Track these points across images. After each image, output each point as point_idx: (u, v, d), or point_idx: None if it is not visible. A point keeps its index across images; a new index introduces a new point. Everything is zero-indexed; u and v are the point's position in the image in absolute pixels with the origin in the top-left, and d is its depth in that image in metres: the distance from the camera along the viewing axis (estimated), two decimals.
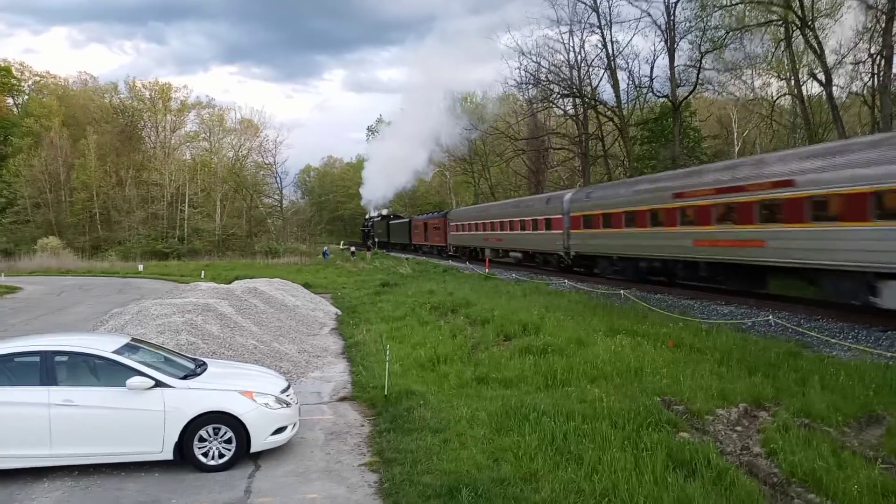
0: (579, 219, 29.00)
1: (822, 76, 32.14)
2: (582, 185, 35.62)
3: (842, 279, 15.36)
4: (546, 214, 32.86)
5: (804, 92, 38.04)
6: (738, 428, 8.52)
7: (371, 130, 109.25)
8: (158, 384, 7.66)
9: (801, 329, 14.32)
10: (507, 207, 41.13)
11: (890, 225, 13.83)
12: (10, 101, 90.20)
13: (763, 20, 35.30)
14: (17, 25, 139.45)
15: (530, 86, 49.68)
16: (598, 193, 28.87)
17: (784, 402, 9.07)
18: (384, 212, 79.69)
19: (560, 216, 31.06)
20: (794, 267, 16.79)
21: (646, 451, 7.23)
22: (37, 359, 7.70)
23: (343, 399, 10.85)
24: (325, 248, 67.20)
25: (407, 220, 68.34)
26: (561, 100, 49.40)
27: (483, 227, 43.51)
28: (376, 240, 77.13)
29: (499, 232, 40.27)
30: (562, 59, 47.53)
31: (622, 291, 20.74)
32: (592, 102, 45.75)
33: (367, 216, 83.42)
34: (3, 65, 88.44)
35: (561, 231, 30.85)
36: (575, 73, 46.56)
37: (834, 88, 32.91)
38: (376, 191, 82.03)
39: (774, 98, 44.78)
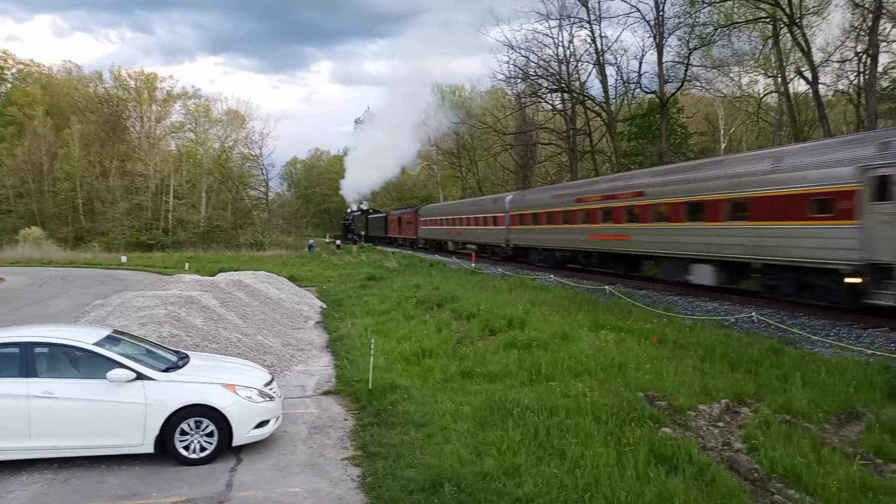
0: (517, 217, 35.41)
1: (808, 74, 32.32)
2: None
3: (671, 263, 21.66)
4: (493, 213, 39.39)
5: (791, 89, 38.27)
6: (720, 424, 8.58)
7: (359, 123, 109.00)
8: (140, 377, 7.60)
9: (783, 326, 14.43)
10: (465, 206, 47.23)
11: (695, 224, 19.94)
12: None
13: (751, 17, 35.49)
14: (1, 13, 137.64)
15: (519, 80, 49.64)
16: (530, 197, 35.50)
17: (766, 399, 9.13)
18: (364, 206, 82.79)
19: (503, 214, 37.30)
20: (646, 254, 23.31)
21: (628, 447, 7.26)
22: (16, 350, 7.62)
23: (327, 393, 10.81)
24: (311, 241, 66.99)
25: (384, 214, 72.85)
26: (549, 95, 49.41)
27: (447, 222, 49.60)
28: (362, 233, 77.27)
29: (459, 227, 46.42)
30: (550, 53, 47.52)
31: (607, 287, 20.80)
32: (581, 98, 45.78)
33: (347, 210, 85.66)
34: None
35: (504, 227, 37.04)
36: (563, 67, 46.55)
37: (820, 86, 33.17)
38: (359, 183, 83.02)
39: (761, 95, 45.16)
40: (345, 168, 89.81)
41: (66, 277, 36.07)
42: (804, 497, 6.51)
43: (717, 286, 19.48)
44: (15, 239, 61.27)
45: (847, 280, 14.75)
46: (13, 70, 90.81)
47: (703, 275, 19.84)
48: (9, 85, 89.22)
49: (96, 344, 7.86)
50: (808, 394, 9.05)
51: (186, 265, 39.95)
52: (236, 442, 7.77)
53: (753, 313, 15.41)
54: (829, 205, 15.17)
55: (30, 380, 7.43)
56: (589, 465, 6.79)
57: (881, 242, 13.90)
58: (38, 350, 7.70)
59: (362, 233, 75.32)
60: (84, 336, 8.11)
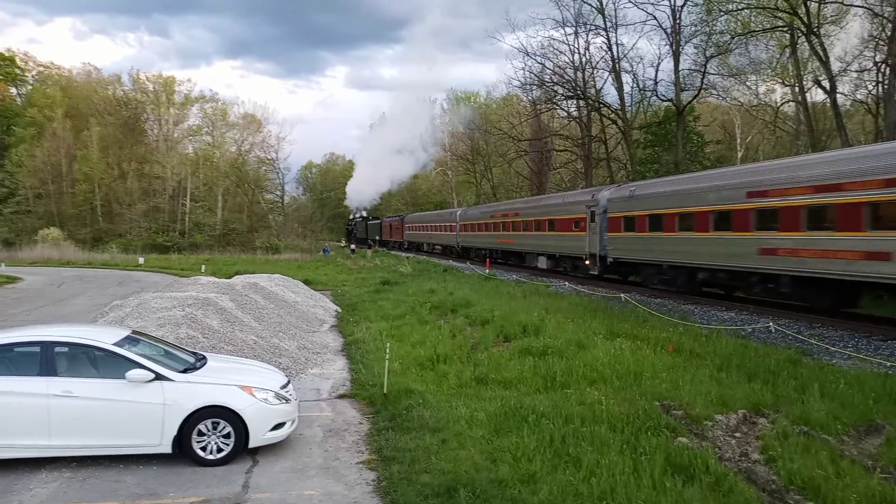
0: (464, 226, 47.75)
1: (826, 83, 32.09)
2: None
3: (531, 256, 35.27)
4: (449, 222, 51.96)
5: (808, 99, 38.03)
6: (737, 434, 8.52)
7: (374, 128, 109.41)
8: (158, 377, 7.66)
9: (801, 336, 14.31)
10: (433, 216, 60.40)
11: (538, 233, 33.67)
12: (13, 90, 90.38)
13: (769, 26, 35.29)
14: (21, 15, 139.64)
15: (534, 87, 49.68)
16: (470, 212, 48.99)
17: (783, 410, 9.05)
18: (364, 213, 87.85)
19: (455, 223, 50.15)
20: (522, 251, 36.82)
21: (644, 456, 7.22)
22: (37, 349, 7.70)
23: (342, 396, 10.85)
24: (326, 244, 67.26)
25: (379, 221, 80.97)
26: (565, 101, 49.37)
27: (423, 228, 61.26)
28: (377, 238, 77.87)
29: (429, 232, 58.76)
30: (566, 60, 47.47)
31: (622, 295, 20.73)
32: (596, 105, 45.72)
33: (350, 217, 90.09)
34: (7, 54, 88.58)
35: (455, 233, 49.96)
36: (579, 74, 46.50)
37: (838, 96, 32.90)
38: (366, 188, 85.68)
39: (778, 104, 44.85)
40: (352, 174, 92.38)
41: (84, 278, 36.45)
42: None
43: (550, 269, 32.80)
44: (34, 239, 62.01)
45: (585, 262, 27.79)
46: (33, 72, 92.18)
47: (542, 262, 33.77)
48: (29, 87, 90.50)
49: (116, 344, 7.93)
50: (827, 405, 8.95)
51: (203, 267, 40.25)
52: (252, 444, 7.81)
53: (771, 323, 15.29)
54: (577, 224, 28.79)
55: (50, 379, 7.51)
56: (605, 473, 6.76)
57: (592, 243, 27.37)
58: (58, 349, 7.78)
59: (363, 237, 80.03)
60: (104, 336, 8.19)
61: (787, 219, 16.70)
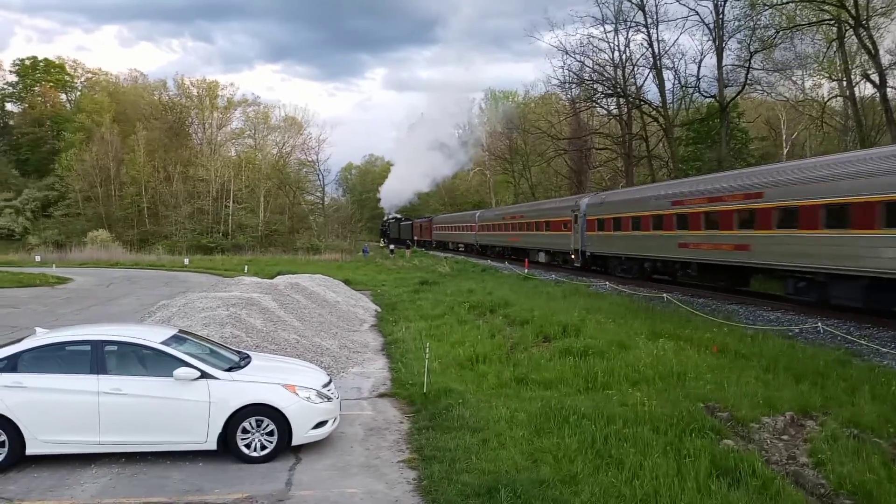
0: (483, 226, 53.38)
1: (875, 77, 31.13)
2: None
3: (532, 252, 40.43)
4: (470, 223, 57.98)
5: (857, 93, 36.91)
6: (785, 437, 8.33)
7: (412, 128, 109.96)
8: (204, 375, 7.82)
9: (850, 337, 13.91)
10: (456, 218, 66.92)
11: (536, 233, 39.52)
12: (63, 97, 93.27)
13: (815, 19, 34.41)
14: (70, 24, 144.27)
15: (573, 85, 49.28)
16: (487, 214, 55.40)
17: (832, 412, 8.81)
18: (398, 215, 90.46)
19: (474, 224, 55.95)
20: (526, 247, 41.93)
21: (688, 458, 7.11)
22: (87, 348, 7.93)
23: (382, 395, 10.93)
24: (366, 245, 67.77)
25: (410, 222, 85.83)
26: (604, 99, 48.88)
27: (448, 228, 67.76)
28: (415, 238, 78.44)
29: (453, 232, 65.38)
30: (606, 58, 46.99)
31: (665, 295, 20.43)
32: (637, 102, 45.14)
33: (384, 218, 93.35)
34: (57, 62, 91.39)
35: (475, 233, 55.79)
36: (619, 72, 45.98)
37: (889, 90, 31.90)
38: (402, 188, 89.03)
39: (825, 99, 43.57)
40: (386, 177, 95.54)
41: (131, 278, 37.41)
42: None
43: (547, 262, 38.20)
44: (83, 241, 63.80)
45: (571, 256, 33.10)
46: (82, 79, 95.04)
47: (542, 256, 39.22)
48: (78, 93, 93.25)
49: (163, 343, 8.12)
50: (878, 408, 8.70)
51: (246, 268, 40.91)
52: (295, 441, 7.92)
53: (819, 324, 14.88)
54: (566, 225, 34.05)
55: (100, 376, 7.72)
56: (648, 475, 6.68)
57: (575, 241, 32.61)
58: (108, 348, 8.00)
59: (396, 237, 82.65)
60: (151, 335, 8.39)
61: (693, 221, 22.50)
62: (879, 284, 14.99)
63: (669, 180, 34.92)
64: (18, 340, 8.19)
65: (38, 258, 53.13)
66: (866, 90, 39.08)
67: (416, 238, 79.55)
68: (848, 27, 31.51)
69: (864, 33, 30.16)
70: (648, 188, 29.34)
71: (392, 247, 66.20)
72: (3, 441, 7.47)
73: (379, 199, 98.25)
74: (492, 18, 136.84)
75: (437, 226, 72.08)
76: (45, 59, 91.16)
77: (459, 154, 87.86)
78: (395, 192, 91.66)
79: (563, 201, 38.35)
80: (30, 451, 7.54)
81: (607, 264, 30.24)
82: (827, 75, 42.58)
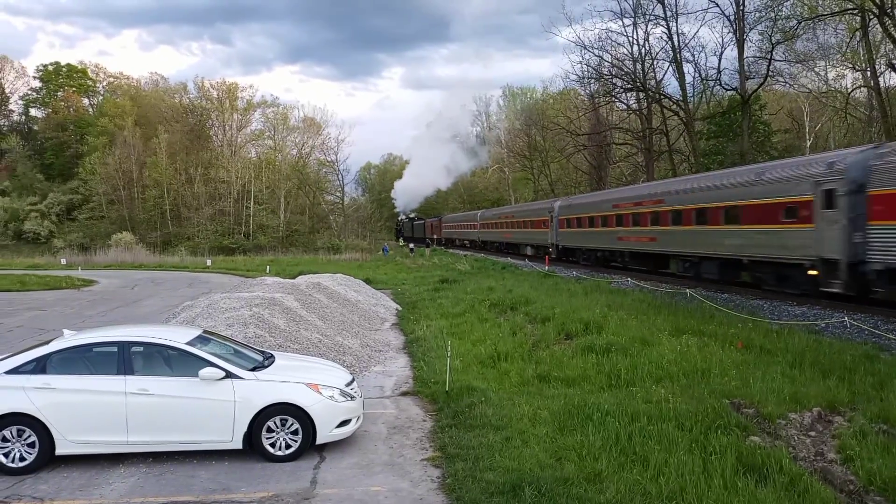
0: (485, 224, 59.40)
1: None
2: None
3: (525, 247, 46.91)
4: (472, 221, 64.73)
5: (881, 84, 36.31)
6: (812, 433, 8.22)
7: (430, 126, 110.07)
8: (229, 375, 7.89)
9: (878, 331, 13.69)
10: (460, 217, 73.27)
11: (530, 230, 44.37)
12: (86, 101, 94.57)
13: (837, 9, 33.90)
14: (92, 29, 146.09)
15: (592, 80, 49.04)
16: (487, 214, 60.92)
17: (860, 407, 8.68)
18: (412, 215, 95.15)
19: (476, 223, 62.64)
20: (523, 243, 47.42)
21: (714, 455, 7.04)
22: (114, 349, 8.04)
23: (405, 394, 10.96)
24: (385, 244, 68.02)
25: (422, 221, 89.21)
26: (624, 94, 48.59)
27: (453, 226, 73.91)
28: (434, 237, 78.74)
29: (458, 230, 71.21)
30: (625, 52, 46.69)
31: (688, 291, 20.26)
32: (657, 96, 44.79)
33: (398, 218, 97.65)
34: (79, 67, 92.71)
35: (476, 230, 62.19)
36: (639, 66, 45.66)
37: None
38: (419, 184, 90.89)
39: (849, 90, 42.89)
40: (402, 176, 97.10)
41: (155, 280, 37.86)
42: None
43: (533, 254, 44.00)
44: (108, 244, 64.64)
45: (549, 248, 39.50)
46: (104, 83, 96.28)
47: (529, 250, 45.23)
48: (100, 97, 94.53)
49: (188, 343, 8.20)
50: None
51: (268, 268, 41.22)
52: (319, 440, 7.97)
53: (845, 318, 14.67)
54: (545, 224, 39.43)
55: (127, 377, 7.82)
56: (673, 472, 6.63)
57: (551, 236, 38.99)
58: (134, 349, 8.10)
59: (410, 235, 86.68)
60: (177, 336, 8.48)
61: (626, 220, 28.58)
62: (727, 263, 21.72)
63: (612, 188, 45.78)
64: (46, 342, 8.31)
65: (63, 261, 53.93)
66: (891, 80, 38.54)
67: (427, 236, 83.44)
68: (872, 16, 31.01)
69: (889, 22, 29.66)
70: (600, 194, 38.10)
71: (412, 245, 66.38)
72: (34, 441, 7.59)
73: (394, 200, 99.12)
74: (509, 15, 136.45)
75: (445, 224, 77.46)
76: (68, 65, 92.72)
77: (478, 150, 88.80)
78: (411, 190, 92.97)
79: (542, 203, 45.64)
80: (59, 451, 7.66)
81: (575, 255, 37.35)
82: (850, 66, 41.97)
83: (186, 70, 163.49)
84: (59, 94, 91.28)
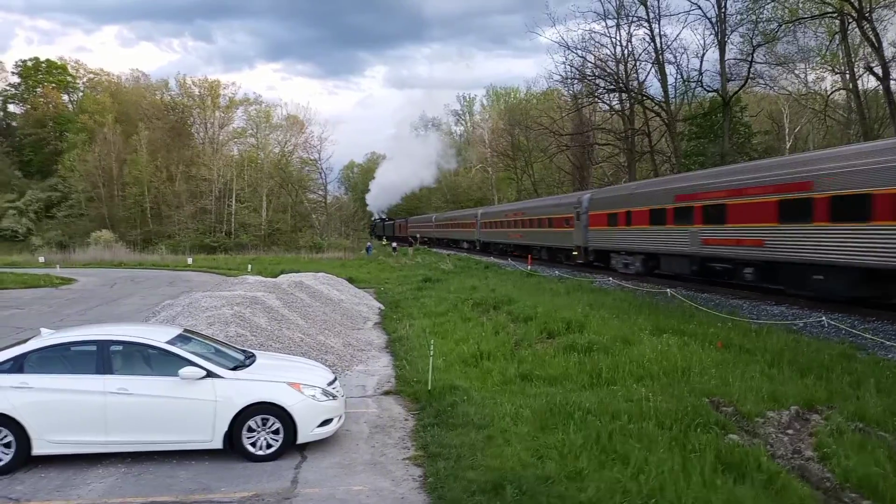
0: (438, 224, 69.76)
1: (879, 70, 31.11)
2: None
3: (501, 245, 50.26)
4: (429, 222, 76.25)
5: (860, 86, 36.89)
6: (790, 431, 8.32)
7: (414, 127, 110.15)
8: (209, 374, 7.84)
9: (855, 331, 13.90)
10: (423, 218, 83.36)
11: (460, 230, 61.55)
12: (65, 98, 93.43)
13: (817, 12, 34.34)
14: (71, 24, 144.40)
15: (575, 81, 49.28)
16: (439, 216, 71.58)
17: (837, 406, 8.80)
18: (384, 215, 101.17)
19: (432, 223, 73.36)
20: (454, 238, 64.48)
21: (694, 453, 7.10)
22: (93, 348, 7.95)
23: (387, 393, 10.94)
24: (369, 243, 67.92)
25: (393, 221, 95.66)
26: (607, 95, 48.89)
27: (417, 226, 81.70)
28: (417, 235, 78.95)
29: (421, 228, 79.36)
30: (608, 53, 47.06)
31: (668, 290, 20.41)
32: (639, 97, 45.11)
33: (373, 218, 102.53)
34: (59, 63, 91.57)
35: (432, 228, 72.15)
36: (621, 67, 46.00)
37: (892, 82, 31.81)
38: (398, 181, 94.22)
39: (828, 93, 43.53)
40: (374, 177, 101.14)
41: (135, 278, 37.48)
42: None
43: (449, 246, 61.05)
44: (87, 242, 63.90)
45: (475, 243, 56.15)
46: (84, 79, 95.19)
47: (464, 245, 60.32)
48: (80, 94, 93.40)
49: (168, 342, 8.14)
50: (883, 401, 8.68)
51: (249, 267, 40.96)
52: (301, 440, 7.93)
53: (823, 317, 14.88)
54: (472, 226, 57.07)
55: (106, 376, 7.73)
56: (653, 470, 6.67)
57: (478, 234, 55.26)
58: (113, 348, 8.01)
59: (381, 234, 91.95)
60: (157, 335, 8.41)
61: (454, 226, 56.53)
62: (549, 249, 35.98)
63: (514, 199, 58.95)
64: (24, 341, 8.20)
65: (41, 259, 53.23)
66: (869, 83, 39.10)
67: (397, 234, 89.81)
68: (851, 20, 31.48)
69: (868, 26, 30.11)
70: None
71: (395, 244, 66.37)
72: (10, 442, 7.48)
73: (367, 205, 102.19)
74: (491, 15, 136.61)
75: (410, 224, 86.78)
76: (48, 61, 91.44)
77: (462, 149, 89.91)
78: (390, 187, 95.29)
79: (466, 210, 62.92)
80: (36, 451, 7.56)
81: (491, 247, 50.32)
82: (830, 68, 42.55)
83: (167, 67, 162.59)
84: (38, 90, 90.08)
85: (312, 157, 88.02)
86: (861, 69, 35.91)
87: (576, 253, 32.62)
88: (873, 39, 30.25)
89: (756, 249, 18.70)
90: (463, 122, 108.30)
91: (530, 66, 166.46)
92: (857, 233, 15.42)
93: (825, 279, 16.54)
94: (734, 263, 20.19)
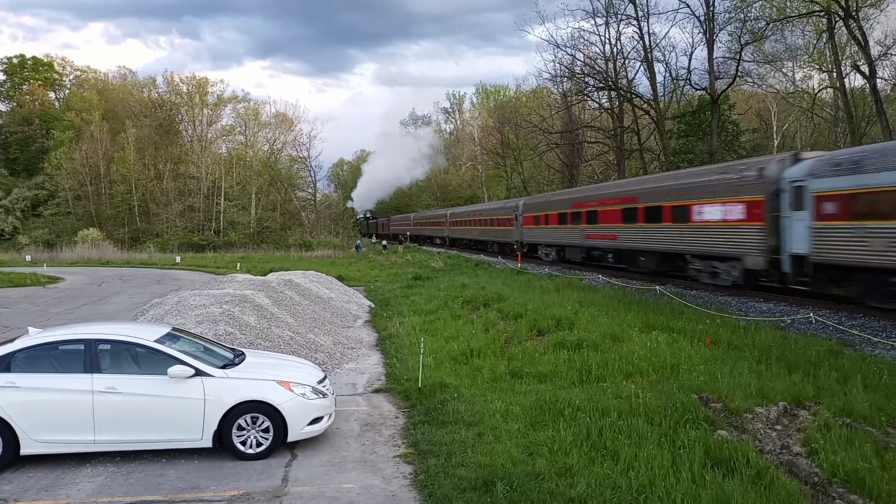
0: (416, 223, 76.14)
1: (865, 68, 31.34)
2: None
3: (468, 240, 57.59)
4: (408, 221, 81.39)
5: (847, 84, 37.16)
6: (778, 427, 8.38)
7: (403, 125, 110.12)
8: (199, 373, 7.80)
9: (842, 327, 14.01)
10: (399, 218, 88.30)
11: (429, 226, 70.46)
12: (52, 95, 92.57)
13: (805, 11, 34.56)
14: (57, 21, 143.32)
15: (565, 79, 49.37)
16: (418, 215, 78.30)
17: (825, 401, 8.87)
18: (368, 214, 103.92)
19: (410, 222, 79.27)
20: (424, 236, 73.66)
21: (683, 449, 7.15)
22: (81, 347, 7.89)
23: (377, 391, 10.93)
24: (358, 241, 67.80)
25: (376, 220, 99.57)
26: (596, 93, 48.98)
27: (398, 224, 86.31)
28: (408, 233, 79.02)
29: (401, 227, 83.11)
30: (597, 51, 47.17)
31: (658, 287, 20.49)
32: (628, 95, 45.23)
33: (357, 216, 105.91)
34: (46, 60, 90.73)
35: (410, 226, 78.40)
36: (610, 65, 46.10)
37: (878, 81, 32.13)
38: (385, 178, 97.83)
39: (816, 91, 43.84)
40: (362, 173, 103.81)
41: (123, 277, 37.23)
42: (868, 502, 6.33)
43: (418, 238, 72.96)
44: (74, 240, 63.40)
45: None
46: (71, 77, 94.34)
47: (436, 240, 67.79)
48: (67, 91, 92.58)
49: (157, 341, 8.09)
50: (870, 397, 8.76)
51: (238, 265, 40.79)
52: (291, 438, 7.92)
53: (811, 314, 14.99)
54: (440, 224, 65.72)
55: (94, 375, 7.68)
56: (643, 466, 6.72)
57: (407, 229, 78.07)
58: (101, 347, 7.96)
59: (365, 231, 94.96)
60: (145, 333, 8.36)
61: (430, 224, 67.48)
62: (500, 244, 44.38)
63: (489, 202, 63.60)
64: (11, 340, 8.14)
65: (28, 257, 52.78)
66: (856, 81, 39.44)
67: (380, 232, 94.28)
68: (838, 18, 31.69)
69: (854, 24, 30.33)
70: (482, 204, 60.82)
71: (385, 242, 66.30)
72: None
73: (351, 202, 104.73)
74: (482, 12, 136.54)
75: (392, 223, 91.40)
76: (34, 57, 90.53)
77: (450, 144, 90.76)
78: (379, 184, 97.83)
79: (437, 210, 72.19)
80: (24, 451, 7.52)
81: (457, 242, 58.99)
82: (817, 67, 42.85)
83: (154, 64, 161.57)
84: (24, 87, 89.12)
85: (302, 155, 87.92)
86: (848, 67, 36.23)
87: (515, 245, 41.11)
88: (860, 38, 30.47)
89: (612, 241, 27.09)
90: (453, 120, 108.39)
91: (520, 64, 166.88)
92: (657, 230, 23.47)
93: (646, 259, 24.80)
94: (603, 251, 28.54)
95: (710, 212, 20.18)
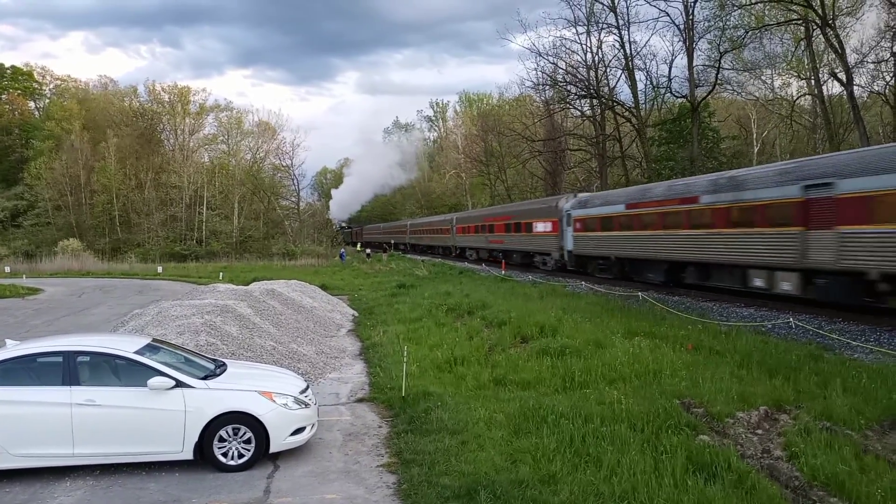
0: (413, 231, 71.79)
1: (842, 76, 31.80)
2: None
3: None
4: (378, 231, 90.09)
5: (825, 92, 37.68)
6: (759, 431, 8.45)
7: (387, 133, 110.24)
8: (179, 384, 7.73)
9: (821, 331, 14.15)
10: (377, 227, 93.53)
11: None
12: (31, 104, 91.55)
13: (783, 19, 35.08)
14: (36, 30, 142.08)
15: (547, 87, 49.63)
16: (370, 226, 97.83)
17: (805, 405, 8.96)
18: (343, 223, 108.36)
19: (381, 230, 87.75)
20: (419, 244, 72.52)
21: (665, 454, 7.19)
22: (59, 359, 7.79)
23: (361, 400, 10.89)
24: (342, 250, 67.61)
25: (351, 228, 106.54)
26: (578, 101, 49.27)
27: (370, 232, 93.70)
28: (391, 241, 78.98)
29: (373, 235, 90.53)
30: (579, 59, 47.45)
31: (640, 294, 20.61)
32: (610, 103, 45.57)
33: (335, 225, 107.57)
34: (25, 69, 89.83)
35: (380, 234, 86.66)
36: (592, 73, 46.40)
37: (855, 88, 32.63)
38: (362, 187, 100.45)
39: (794, 98, 44.41)
40: (343, 180, 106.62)
41: (104, 288, 36.83)
42: None
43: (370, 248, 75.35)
44: (54, 251, 62.58)
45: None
46: (51, 86, 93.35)
47: (388, 247, 76.77)
48: (47, 100, 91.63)
49: (137, 352, 8.01)
50: (849, 400, 8.85)
51: (221, 275, 40.52)
52: (273, 449, 7.86)
53: (791, 319, 15.13)
54: (403, 232, 76.16)
55: (73, 388, 7.59)
56: (625, 472, 6.74)
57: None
58: (80, 359, 7.86)
59: (391, 241, 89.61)
60: (125, 345, 8.27)
61: (418, 231, 71.92)
62: (445, 248, 57.80)
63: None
64: None
65: (7, 269, 52.05)
66: (834, 88, 40.00)
67: (354, 240, 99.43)
68: (815, 27, 32.16)
69: (831, 32, 30.79)
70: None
71: (368, 251, 66.17)
72: None
73: (328, 214, 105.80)
74: (464, 21, 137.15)
75: (365, 231, 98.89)
76: (13, 66, 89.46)
77: (433, 153, 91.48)
78: (359, 191, 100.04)
79: (402, 221, 78.24)
80: (1, 465, 7.40)
81: (416, 248, 67.28)
82: (795, 74, 43.50)
83: (135, 73, 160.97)
84: (3, 96, 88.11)
85: (285, 164, 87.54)
86: (825, 75, 36.71)
87: (451, 246, 54.26)
88: (837, 46, 30.93)
89: (501, 245, 40.62)
90: (436, 128, 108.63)
91: (502, 73, 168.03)
92: (522, 237, 36.83)
93: (517, 256, 38.16)
94: (498, 251, 41.42)
95: (539, 227, 33.89)
